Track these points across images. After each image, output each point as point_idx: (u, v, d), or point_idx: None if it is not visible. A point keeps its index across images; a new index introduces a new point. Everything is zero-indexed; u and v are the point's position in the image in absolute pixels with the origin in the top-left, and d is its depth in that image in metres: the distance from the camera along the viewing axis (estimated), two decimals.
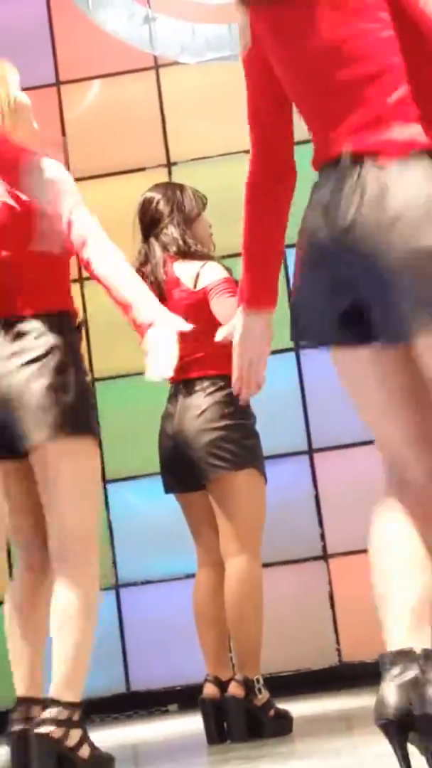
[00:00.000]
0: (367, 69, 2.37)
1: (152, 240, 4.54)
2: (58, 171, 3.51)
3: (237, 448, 4.35)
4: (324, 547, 6.39)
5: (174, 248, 4.50)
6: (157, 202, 4.57)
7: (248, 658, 4.27)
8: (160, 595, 6.14)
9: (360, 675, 5.77)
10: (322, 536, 6.38)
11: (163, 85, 6.98)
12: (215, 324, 4.38)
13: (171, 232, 4.53)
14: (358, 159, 2.37)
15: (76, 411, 3.43)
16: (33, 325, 3.47)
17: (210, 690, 4.34)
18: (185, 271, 4.46)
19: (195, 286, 4.43)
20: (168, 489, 4.54)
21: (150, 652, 6.37)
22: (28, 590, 3.59)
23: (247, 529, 4.35)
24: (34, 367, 3.41)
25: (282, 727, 4.23)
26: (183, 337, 4.45)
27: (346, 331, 2.41)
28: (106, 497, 6.29)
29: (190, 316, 4.44)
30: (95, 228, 3.41)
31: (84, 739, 3.40)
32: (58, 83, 7.02)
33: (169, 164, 6.88)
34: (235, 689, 4.24)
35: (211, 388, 4.40)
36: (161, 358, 3.27)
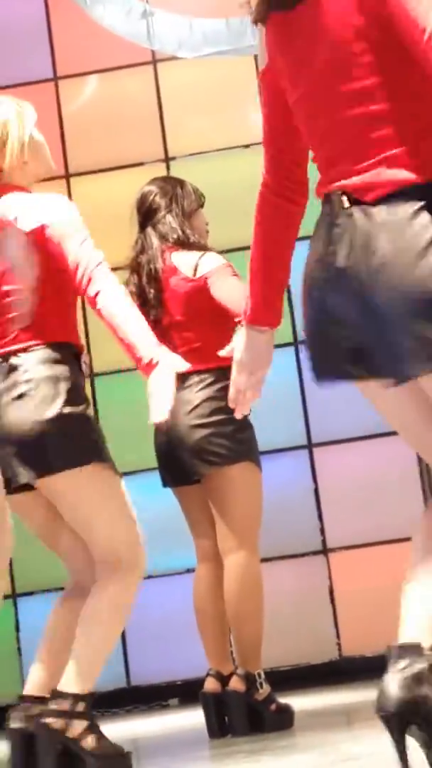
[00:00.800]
0: (367, 108, 2.35)
1: (149, 230, 4.53)
2: (60, 213, 3.49)
3: (230, 442, 4.35)
4: (324, 542, 6.39)
5: (173, 237, 4.49)
6: (155, 194, 4.58)
7: (249, 652, 4.28)
8: (160, 589, 6.14)
9: (360, 669, 5.78)
10: (322, 531, 6.38)
11: (161, 80, 6.97)
12: (212, 314, 4.39)
13: (169, 221, 4.52)
14: (348, 198, 2.37)
15: (63, 445, 3.43)
16: (24, 359, 3.47)
17: (211, 684, 4.35)
18: (184, 261, 4.45)
19: (194, 274, 4.43)
20: (164, 483, 4.54)
21: (150, 646, 6.38)
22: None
23: (244, 524, 4.35)
24: (20, 403, 3.42)
25: (283, 721, 4.23)
26: (180, 327, 4.46)
27: (357, 366, 2.42)
28: None
29: (189, 305, 4.45)
30: (100, 267, 3.39)
31: (90, 729, 3.42)
32: (55, 78, 7.02)
33: (167, 159, 6.88)
34: (236, 684, 4.25)
35: (204, 383, 4.39)
36: (160, 403, 3.29)
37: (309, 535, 6.39)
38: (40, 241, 3.45)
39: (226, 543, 4.35)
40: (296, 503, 6.33)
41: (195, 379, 4.39)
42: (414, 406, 2.45)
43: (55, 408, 3.41)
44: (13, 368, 3.48)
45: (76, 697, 3.40)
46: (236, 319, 4.23)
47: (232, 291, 4.32)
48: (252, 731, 4.17)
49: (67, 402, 3.43)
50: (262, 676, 4.26)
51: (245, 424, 4.39)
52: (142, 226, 4.57)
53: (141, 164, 6.84)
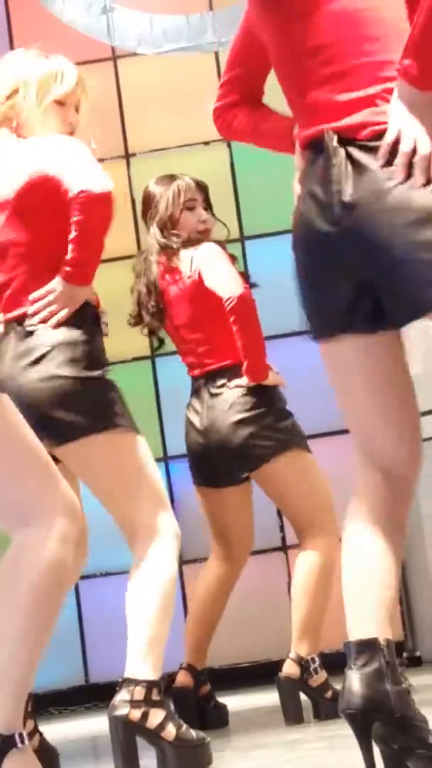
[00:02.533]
0: (359, 47, 2.40)
1: (147, 236, 4.58)
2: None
3: (274, 433, 4.34)
4: (283, 539, 6.39)
5: (157, 248, 4.51)
6: (152, 198, 4.59)
7: (306, 635, 4.22)
8: (119, 587, 6.12)
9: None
10: (282, 528, 6.39)
11: (121, 77, 6.95)
12: (217, 309, 4.40)
13: (153, 233, 4.54)
14: (343, 140, 2.38)
15: (81, 411, 3.34)
16: (39, 324, 3.38)
17: (184, 678, 4.33)
18: (183, 258, 4.47)
19: (191, 269, 4.43)
20: (198, 483, 4.51)
21: (109, 644, 6.35)
22: None
23: (306, 511, 4.35)
24: (37, 368, 3.33)
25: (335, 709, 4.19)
26: (189, 329, 4.45)
27: (355, 319, 2.42)
28: None
29: (194, 302, 4.45)
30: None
31: (168, 718, 3.22)
32: None
33: (128, 156, 6.86)
34: (289, 668, 4.19)
35: (234, 379, 4.38)
36: None
37: (269, 531, 6.39)
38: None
39: (299, 530, 4.37)
40: (257, 500, 6.34)
41: (224, 377, 4.40)
42: (374, 372, 2.45)
43: (73, 372, 3.32)
44: (28, 333, 3.38)
45: (149, 684, 3.21)
46: (224, 303, 4.27)
47: (219, 275, 4.34)
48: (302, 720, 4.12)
49: (86, 366, 3.35)
50: (317, 661, 4.21)
51: (285, 413, 4.39)
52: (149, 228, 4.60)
53: (101, 160, 6.78)
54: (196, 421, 4.45)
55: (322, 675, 4.19)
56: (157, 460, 5.52)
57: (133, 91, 6.94)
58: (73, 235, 3.34)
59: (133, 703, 3.18)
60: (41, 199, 3.40)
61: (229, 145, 6.78)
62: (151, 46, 6.84)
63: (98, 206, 3.28)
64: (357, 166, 2.36)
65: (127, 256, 6.22)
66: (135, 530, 3.36)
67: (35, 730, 3.63)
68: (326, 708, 4.13)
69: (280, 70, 2.54)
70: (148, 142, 6.85)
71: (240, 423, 4.34)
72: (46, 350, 3.35)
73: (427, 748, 2.28)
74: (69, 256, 3.37)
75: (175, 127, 6.80)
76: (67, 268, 3.38)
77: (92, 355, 3.40)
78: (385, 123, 2.34)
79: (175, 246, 4.47)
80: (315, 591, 4.24)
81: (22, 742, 2.47)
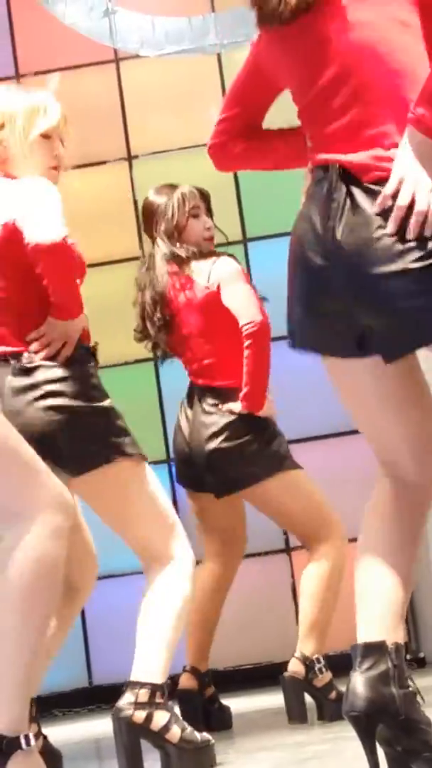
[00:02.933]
0: (374, 90, 2.41)
1: (154, 247, 4.56)
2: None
3: (258, 458, 4.33)
4: (287, 540, 6.39)
5: (166, 259, 4.50)
6: (156, 209, 4.57)
7: (312, 632, 4.22)
8: (122, 588, 6.13)
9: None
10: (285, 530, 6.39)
11: (123, 79, 6.96)
12: (226, 326, 4.40)
13: (160, 244, 4.53)
14: (347, 176, 2.40)
15: (90, 444, 3.34)
16: (36, 359, 3.38)
17: (187, 681, 4.34)
18: (198, 269, 4.45)
19: (208, 281, 4.43)
20: (182, 485, 4.52)
21: (112, 646, 6.35)
22: None
23: (306, 525, 4.36)
24: (46, 401, 3.32)
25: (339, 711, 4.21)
26: (201, 338, 4.44)
27: (348, 345, 2.44)
28: None
29: (204, 314, 4.45)
30: None
31: (172, 720, 3.22)
32: (17, 76, 6.98)
33: (130, 158, 6.86)
34: (295, 667, 4.19)
35: (228, 402, 4.37)
36: None
37: (272, 534, 6.39)
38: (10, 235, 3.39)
39: (301, 542, 4.41)
40: None
41: (217, 397, 4.39)
42: (383, 387, 2.46)
43: (82, 404, 3.33)
44: (26, 370, 3.37)
45: (154, 686, 3.22)
46: (241, 326, 4.28)
47: (241, 297, 4.34)
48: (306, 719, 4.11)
49: (93, 398, 3.36)
50: (322, 661, 4.21)
51: (272, 438, 4.37)
52: (153, 238, 4.59)
53: (103, 163, 6.82)
54: (185, 428, 4.45)
55: (327, 675, 4.19)
56: (160, 462, 5.58)
57: (136, 93, 6.95)
58: (45, 280, 3.37)
59: (138, 705, 3.18)
60: (16, 244, 3.39)
61: None
62: (153, 48, 6.85)
63: (50, 257, 3.29)
64: (355, 206, 2.37)
65: (130, 258, 6.24)
66: (150, 557, 3.39)
67: (39, 733, 3.63)
68: (330, 709, 4.12)
69: (299, 100, 2.55)
70: (151, 145, 6.85)
71: (223, 451, 4.32)
72: (52, 385, 3.35)
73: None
74: (50, 298, 3.39)
75: (177, 129, 6.80)
76: (53, 308, 3.41)
77: (96, 386, 3.42)
78: (388, 169, 2.35)
79: (184, 255, 4.46)
80: (324, 595, 4.26)
81: (28, 744, 2.47)
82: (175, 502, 6.27)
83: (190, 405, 4.47)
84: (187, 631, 4.41)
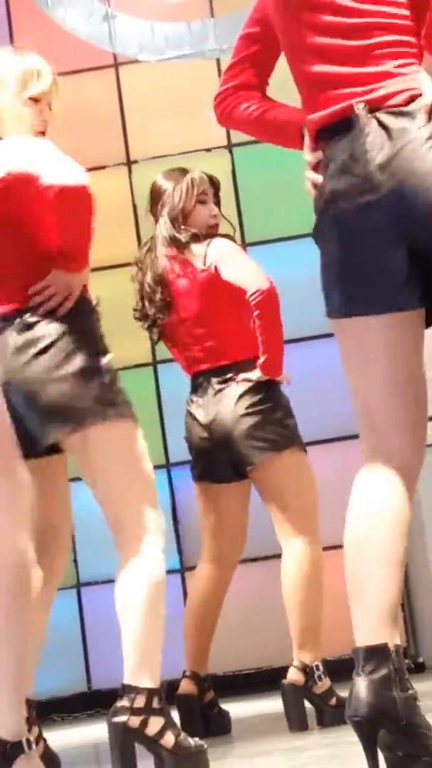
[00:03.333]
0: (385, 31, 2.43)
1: (156, 229, 4.57)
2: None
3: (280, 428, 4.36)
4: None
5: (167, 241, 4.51)
6: (162, 191, 4.59)
7: (307, 642, 4.21)
8: None
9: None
10: None
11: (123, 83, 6.95)
12: (226, 307, 4.41)
13: (163, 225, 4.54)
14: (372, 111, 2.40)
15: (88, 401, 3.35)
16: (39, 315, 3.39)
17: (187, 686, 4.33)
18: (195, 252, 4.47)
19: (205, 263, 4.44)
20: (199, 478, 4.49)
21: (111, 651, 6.33)
22: None
23: (301, 511, 4.35)
24: (42, 359, 3.34)
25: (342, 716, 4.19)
26: (193, 324, 4.44)
27: (410, 294, 2.40)
28: None
29: (202, 297, 4.46)
30: None
31: (167, 726, 3.22)
32: None
33: (129, 162, 6.86)
34: (294, 675, 4.18)
35: (244, 372, 4.39)
36: None
37: (272, 538, 6.38)
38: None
39: (283, 532, 4.36)
40: (259, 507, 6.34)
41: (231, 371, 4.40)
42: (396, 354, 2.43)
43: (81, 362, 3.34)
44: (28, 325, 3.38)
45: (150, 692, 3.21)
46: (248, 297, 4.28)
47: (242, 268, 4.35)
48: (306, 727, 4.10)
49: (93, 354, 3.37)
50: (321, 668, 4.20)
51: (290, 411, 4.41)
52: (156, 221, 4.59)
53: (103, 167, 6.82)
54: (200, 415, 4.44)
55: (326, 682, 4.18)
56: (159, 467, 5.57)
57: (135, 98, 6.94)
58: (59, 227, 3.36)
59: (134, 711, 3.18)
60: (18, 196, 3.39)
61: (230, 152, 6.78)
62: (152, 53, 6.85)
63: (76, 200, 3.31)
64: (389, 131, 2.37)
65: (129, 263, 6.23)
66: (123, 523, 3.35)
67: (40, 737, 3.63)
68: (330, 715, 4.12)
69: (298, 49, 2.54)
70: (150, 149, 6.85)
71: (247, 415, 4.34)
72: (51, 340, 3.36)
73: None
74: (59, 248, 3.39)
75: (176, 133, 6.80)
76: (60, 259, 3.40)
77: (97, 343, 3.42)
78: (419, 89, 2.37)
79: (183, 239, 4.47)
80: (308, 598, 4.25)
81: (30, 747, 2.47)
82: (174, 506, 6.28)
83: (200, 391, 4.46)
84: (185, 636, 4.41)
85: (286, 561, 4.32)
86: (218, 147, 6.79)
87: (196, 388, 4.49)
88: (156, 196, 4.62)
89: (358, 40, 2.44)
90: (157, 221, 4.59)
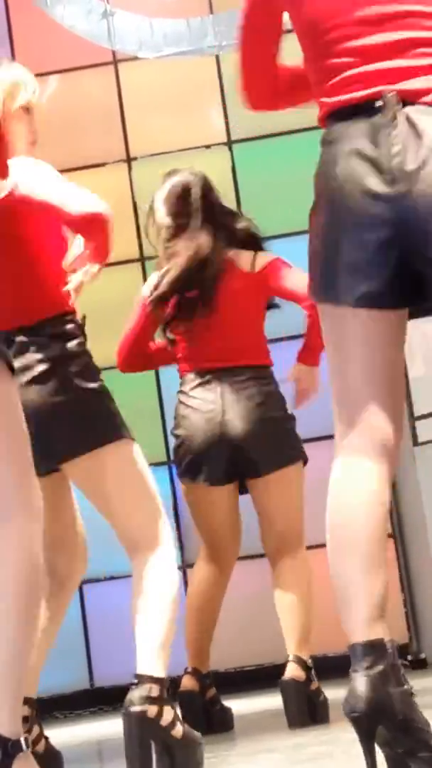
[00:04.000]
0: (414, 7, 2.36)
1: (208, 227, 4.50)
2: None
3: (296, 438, 4.43)
4: None
5: (237, 239, 4.54)
6: (208, 189, 4.59)
7: (305, 637, 4.25)
8: (124, 590, 6.12)
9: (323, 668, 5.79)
10: None
11: (122, 81, 6.96)
12: (256, 314, 4.49)
13: (232, 223, 4.58)
14: (402, 101, 2.33)
15: (87, 425, 3.35)
16: (31, 338, 3.38)
17: (189, 682, 4.33)
18: (240, 256, 4.50)
19: (252, 269, 4.47)
20: (194, 478, 4.43)
21: (114, 648, 6.36)
22: None
23: (297, 522, 4.40)
24: (40, 385, 3.33)
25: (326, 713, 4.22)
26: (236, 323, 4.45)
27: (393, 293, 2.37)
28: None
29: (242, 301, 4.47)
30: None
31: (177, 716, 3.23)
32: None
33: (129, 159, 6.86)
34: (294, 671, 4.19)
35: (262, 378, 4.42)
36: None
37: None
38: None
39: (285, 539, 4.38)
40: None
41: (251, 373, 4.41)
42: (381, 348, 2.40)
43: (78, 385, 3.34)
44: (22, 349, 3.37)
45: (160, 682, 3.21)
46: (305, 303, 4.30)
47: (300, 277, 4.36)
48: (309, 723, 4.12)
49: (87, 378, 3.36)
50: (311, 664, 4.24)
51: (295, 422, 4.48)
52: (202, 220, 4.52)
53: (103, 165, 6.82)
54: (210, 409, 4.39)
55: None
56: (161, 464, 5.54)
57: (134, 95, 6.95)
58: (84, 251, 3.34)
59: (151, 700, 3.18)
60: (22, 218, 3.39)
61: (230, 149, 6.78)
62: (151, 50, 6.85)
63: (102, 225, 3.31)
64: (417, 129, 2.30)
65: (129, 260, 6.23)
66: (136, 540, 3.38)
67: (41, 735, 3.63)
68: (322, 711, 4.16)
69: (319, 33, 2.45)
70: (150, 146, 6.85)
71: (272, 420, 4.36)
72: (45, 366, 3.36)
73: (430, 750, 2.27)
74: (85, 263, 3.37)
75: (176, 130, 6.80)
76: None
77: (90, 366, 3.42)
78: None
79: (226, 242, 4.50)
80: (308, 598, 4.30)
81: (27, 746, 2.49)
82: (175, 502, 6.28)
83: (208, 387, 4.43)
84: (186, 634, 4.41)
85: (285, 566, 4.36)
86: (218, 144, 6.80)
87: (201, 384, 4.45)
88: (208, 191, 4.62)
89: (391, 32, 2.36)
90: (189, 216, 4.57)
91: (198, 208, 4.51)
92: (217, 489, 4.41)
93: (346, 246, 2.37)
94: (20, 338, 3.40)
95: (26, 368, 3.36)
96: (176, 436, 4.49)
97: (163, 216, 4.52)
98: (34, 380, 3.35)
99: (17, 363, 3.31)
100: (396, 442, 2.43)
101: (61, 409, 3.33)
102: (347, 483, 2.40)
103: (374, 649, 2.28)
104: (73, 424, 3.34)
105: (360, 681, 2.25)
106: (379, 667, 2.26)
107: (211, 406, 4.39)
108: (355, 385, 2.42)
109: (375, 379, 2.40)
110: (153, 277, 4.56)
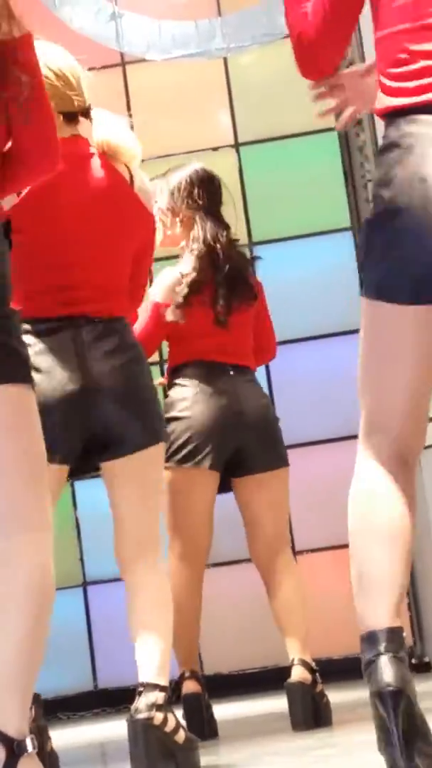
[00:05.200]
0: None
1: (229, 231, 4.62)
2: None
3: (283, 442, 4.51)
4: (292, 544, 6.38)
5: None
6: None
7: (307, 642, 4.27)
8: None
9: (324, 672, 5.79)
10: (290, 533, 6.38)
11: (129, 82, 6.96)
12: (267, 324, 4.59)
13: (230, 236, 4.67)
14: None
15: (160, 417, 3.49)
16: (120, 325, 3.43)
17: (193, 686, 4.32)
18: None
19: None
20: (206, 462, 4.36)
21: (118, 649, 6.35)
22: None
23: (286, 523, 4.50)
24: (136, 368, 3.38)
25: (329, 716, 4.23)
26: (241, 323, 4.48)
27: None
28: (74, 494, 6.29)
29: (263, 306, 4.57)
30: None
31: (179, 722, 3.29)
32: None
33: None
34: (301, 674, 4.20)
35: (256, 380, 4.52)
36: None
37: None
38: None
39: (277, 542, 4.41)
40: None
41: (253, 376, 4.51)
42: (420, 345, 2.35)
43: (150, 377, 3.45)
44: (110, 331, 3.40)
45: (165, 690, 3.27)
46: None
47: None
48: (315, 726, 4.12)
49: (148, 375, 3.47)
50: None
51: None
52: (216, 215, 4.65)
53: None
54: (224, 400, 4.37)
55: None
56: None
57: (142, 96, 6.95)
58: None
59: (157, 707, 3.22)
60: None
61: (237, 151, 6.79)
62: (159, 52, 6.85)
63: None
64: None
65: None
66: (146, 542, 3.39)
67: (46, 735, 3.63)
68: (325, 714, 4.16)
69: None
70: (157, 148, 6.84)
71: (275, 420, 4.47)
72: (134, 352, 3.41)
73: (429, 744, 2.26)
74: None
75: (184, 132, 6.80)
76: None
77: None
78: None
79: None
80: (304, 600, 4.36)
81: (33, 747, 2.50)
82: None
83: (222, 379, 4.42)
84: (174, 637, 4.40)
85: (283, 568, 4.36)
86: (225, 146, 6.80)
87: (215, 375, 4.41)
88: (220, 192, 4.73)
89: None
90: (218, 214, 4.65)
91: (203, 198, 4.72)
92: (212, 476, 4.36)
93: (404, 252, 2.28)
94: (111, 323, 3.41)
95: (119, 350, 3.38)
96: (177, 418, 4.38)
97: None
98: (130, 362, 3.38)
99: (108, 344, 3.33)
100: (421, 436, 2.44)
101: (150, 394, 3.40)
102: (373, 481, 2.41)
103: (396, 634, 2.28)
104: (155, 414, 3.42)
105: (385, 660, 2.24)
106: (402, 653, 2.27)
107: (224, 397, 4.38)
108: (393, 380, 2.39)
109: (417, 375, 2.38)
110: (166, 277, 4.53)
